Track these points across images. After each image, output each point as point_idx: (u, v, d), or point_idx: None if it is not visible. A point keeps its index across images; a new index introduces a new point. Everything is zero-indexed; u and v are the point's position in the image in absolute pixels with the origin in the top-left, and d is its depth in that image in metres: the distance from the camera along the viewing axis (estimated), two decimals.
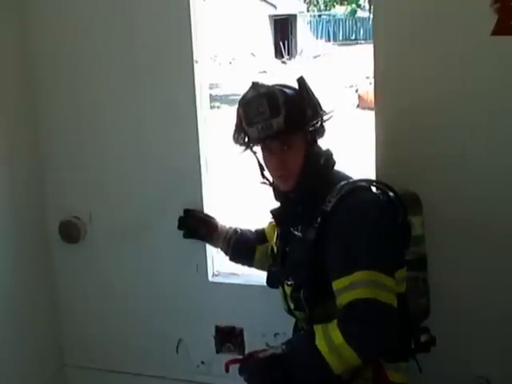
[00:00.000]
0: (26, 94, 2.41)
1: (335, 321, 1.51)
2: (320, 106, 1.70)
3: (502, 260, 1.97)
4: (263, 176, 1.78)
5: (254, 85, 1.64)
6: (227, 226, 2.15)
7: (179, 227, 2.23)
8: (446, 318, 1.95)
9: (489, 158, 1.93)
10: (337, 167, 1.75)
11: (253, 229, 2.14)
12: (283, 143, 1.65)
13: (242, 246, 2.10)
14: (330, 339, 1.49)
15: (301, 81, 1.66)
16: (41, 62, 2.40)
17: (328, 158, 1.73)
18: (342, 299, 1.51)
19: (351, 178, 1.69)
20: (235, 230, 2.12)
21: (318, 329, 1.54)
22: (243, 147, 1.71)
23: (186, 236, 2.23)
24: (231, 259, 2.16)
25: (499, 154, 1.91)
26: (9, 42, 2.33)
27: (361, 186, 1.65)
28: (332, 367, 1.49)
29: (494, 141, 1.91)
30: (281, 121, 1.59)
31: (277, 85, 1.68)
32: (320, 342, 1.51)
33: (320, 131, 1.71)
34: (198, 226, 2.19)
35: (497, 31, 1.81)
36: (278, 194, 1.78)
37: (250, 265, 2.13)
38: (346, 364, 1.51)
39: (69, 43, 2.36)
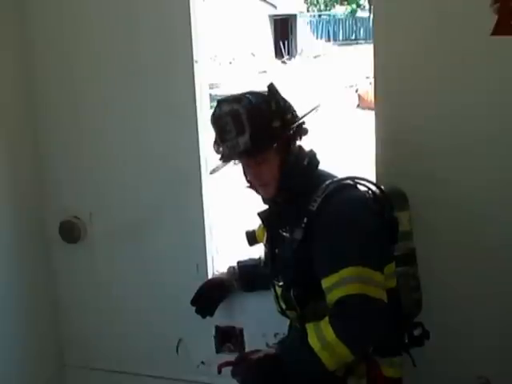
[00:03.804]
0: (25, 94, 2.40)
1: (327, 318, 1.52)
2: (292, 111, 1.69)
3: (502, 259, 1.97)
4: (248, 181, 1.79)
5: (219, 103, 1.65)
6: (224, 271, 2.18)
7: (198, 312, 2.15)
8: (446, 317, 1.96)
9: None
10: (322, 167, 1.75)
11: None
12: (254, 158, 1.66)
13: (247, 266, 2.10)
14: (322, 336, 1.51)
15: (271, 87, 1.66)
16: (40, 63, 2.40)
17: (311, 159, 1.73)
18: (332, 296, 1.52)
19: (336, 177, 1.69)
20: (232, 267, 2.13)
21: (309, 327, 1.56)
22: (224, 158, 1.71)
23: (205, 315, 2.16)
24: (251, 288, 2.13)
25: (500, 144, 1.91)
26: (8, 41, 2.33)
27: (346, 184, 1.66)
28: (325, 364, 1.51)
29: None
30: (247, 139, 1.59)
31: (246, 93, 1.66)
32: (312, 340, 1.52)
33: (300, 132, 1.70)
34: (211, 295, 2.16)
35: (497, 31, 1.81)
36: (266, 198, 1.79)
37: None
38: (339, 360, 1.52)
39: (68, 43, 2.36)
